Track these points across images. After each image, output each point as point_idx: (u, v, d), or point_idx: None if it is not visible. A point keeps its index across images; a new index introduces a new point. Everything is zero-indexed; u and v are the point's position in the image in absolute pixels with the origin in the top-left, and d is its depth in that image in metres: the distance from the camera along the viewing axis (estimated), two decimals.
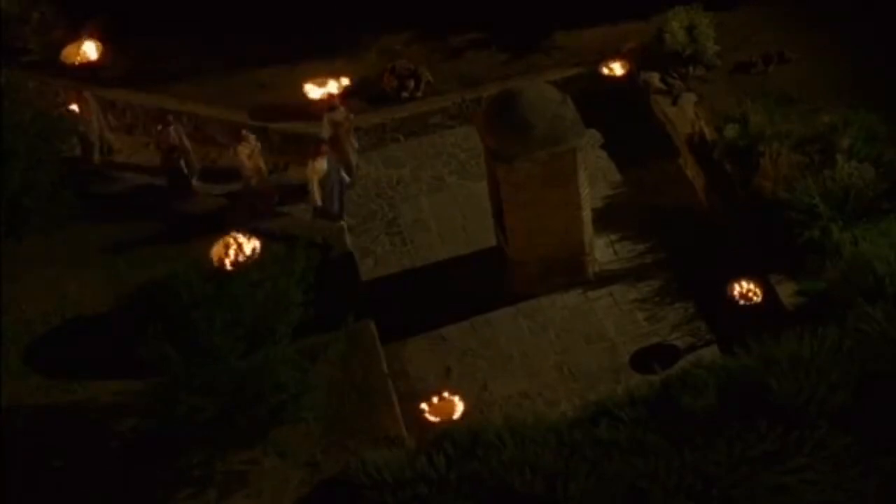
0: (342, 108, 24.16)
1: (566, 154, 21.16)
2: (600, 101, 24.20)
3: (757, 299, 20.71)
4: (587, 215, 21.90)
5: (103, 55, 25.60)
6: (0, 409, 20.05)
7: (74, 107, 24.36)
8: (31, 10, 26.87)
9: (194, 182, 24.24)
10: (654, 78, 25.11)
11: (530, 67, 25.60)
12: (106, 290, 21.75)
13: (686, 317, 21.62)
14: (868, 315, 19.23)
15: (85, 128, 24.44)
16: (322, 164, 23.02)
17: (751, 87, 24.51)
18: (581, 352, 21.36)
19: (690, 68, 25.10)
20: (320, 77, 24.73)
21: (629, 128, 24.80)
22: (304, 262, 19.42)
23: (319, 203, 23.22)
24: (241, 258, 20.29)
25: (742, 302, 20.77)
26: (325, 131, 23.89)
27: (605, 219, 23.16)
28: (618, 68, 24.77)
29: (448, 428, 19.16)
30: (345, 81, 24.68)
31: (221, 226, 21.62)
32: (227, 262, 20.22)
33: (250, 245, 20.58)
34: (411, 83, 25.58)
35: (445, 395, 19.97)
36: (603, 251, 22.74)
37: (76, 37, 25.86)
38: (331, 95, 24.36)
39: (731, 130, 22.96)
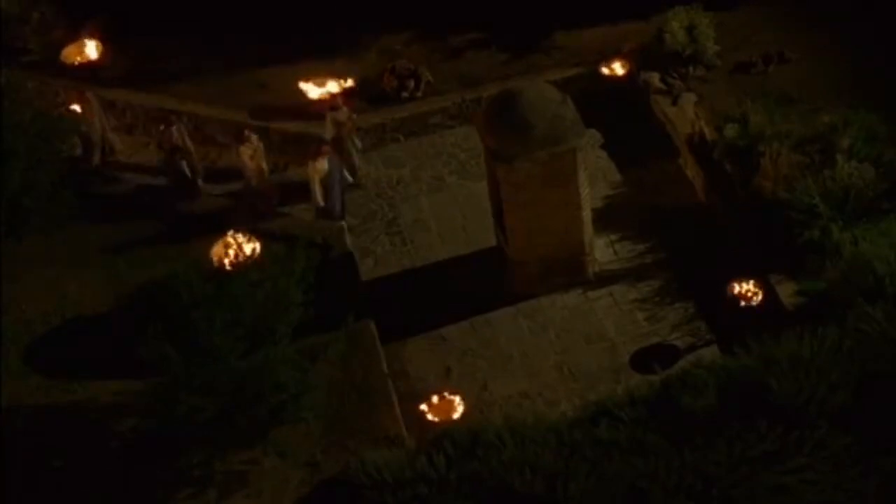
0: (345, 108, 24.12)
1: (566, 154, 21.16)
2: (600, 101, 24.19)
3: (757, 299, 20.70)
4: (587, 215, 21.89)
5: (103, 55, 25.56)
6: (0, 409, 20.06)
7: (76, 107, 24.36)
8: (31, 10, 26.86)
9: (200, 183, 24.24)
10: (654, 78, 25.11)
11: (530, 67, 25.59)
12: (106, 290, 21.77)
13: (686, 317, 21.61)
14: (868, 315, 19.24)
15: (87, 128, 24.45)
16: (323, 164, 23.05)
17: (751, 87, 24.51)
18: (581, 352, 21.36)
19: (690, 68, 25.10)
20: (320, 77, 24.70)
21: (629, 128, 24.80)
22: (304, 262, 19.43)
23: (321, 203, 23.23)
24: (241, 258, 20.28)
25: (742, 302, 20.76)
26: (328, 131, 23.88)
27: (605, 219, 23.15)
28: (618, 68, 24.72)
29: (448, 428, 19.16)
30: (349, 82, 24.63)
31: (222, 226, 21.61)
32: (227, 262, 20.20)
33: (250, 245, 20.56)
34: (411, 83, 25.57)
35: (445, 395, 19.93)
36: (603, 251, 22.74)
37: (76, 37, 25.80)
38: (333, 95, 24.31)
39: (731, 130, 22.96)
